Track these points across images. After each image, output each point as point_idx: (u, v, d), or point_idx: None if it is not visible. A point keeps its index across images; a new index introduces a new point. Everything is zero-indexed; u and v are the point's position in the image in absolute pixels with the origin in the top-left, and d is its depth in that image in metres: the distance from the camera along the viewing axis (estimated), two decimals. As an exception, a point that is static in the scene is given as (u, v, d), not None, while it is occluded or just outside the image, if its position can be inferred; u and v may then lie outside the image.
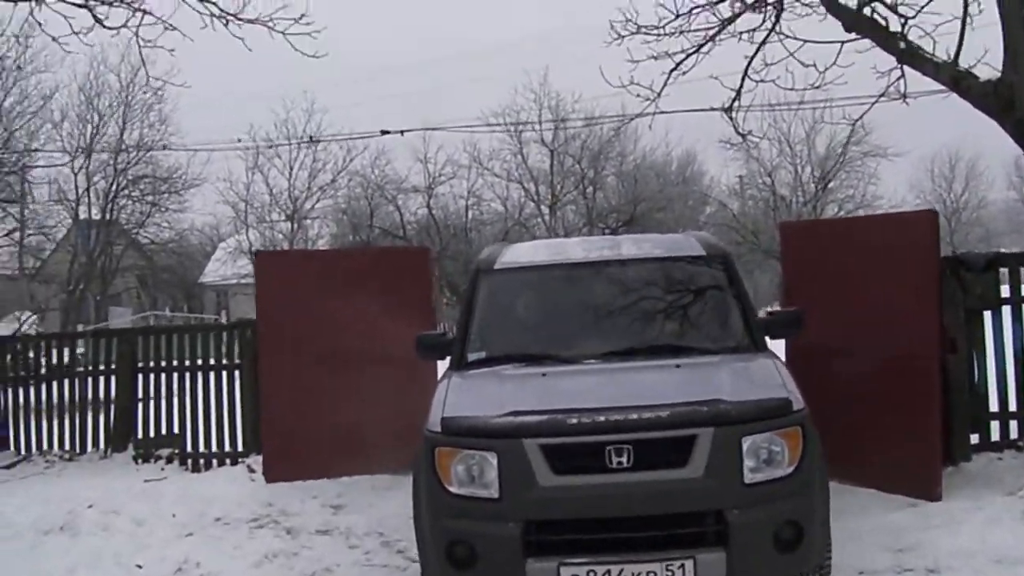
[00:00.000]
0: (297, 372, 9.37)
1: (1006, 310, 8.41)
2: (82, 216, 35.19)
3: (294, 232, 36.01)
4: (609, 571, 4.64)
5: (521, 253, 6.77)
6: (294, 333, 9.42)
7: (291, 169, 35.96)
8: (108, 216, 35.12)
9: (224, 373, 10.35)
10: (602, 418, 4.75)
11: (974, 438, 8.40)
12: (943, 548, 6.13)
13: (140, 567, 6.77)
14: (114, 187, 34.85)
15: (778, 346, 8.44)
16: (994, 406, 8.52)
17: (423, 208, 36.89)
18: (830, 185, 33.98)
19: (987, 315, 8.52)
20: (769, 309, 7.24)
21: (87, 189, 34.66)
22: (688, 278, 6.29)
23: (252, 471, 9.51)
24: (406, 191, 36.72)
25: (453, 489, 4.92)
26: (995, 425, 8.52)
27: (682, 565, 4.63)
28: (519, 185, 37.07)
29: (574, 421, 4.76)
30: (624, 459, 4.72)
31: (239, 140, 32.88)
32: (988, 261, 8.46)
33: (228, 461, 10.16)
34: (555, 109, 35.08)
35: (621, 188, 37.16)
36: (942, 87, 8.43)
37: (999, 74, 7.90)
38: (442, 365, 6.52)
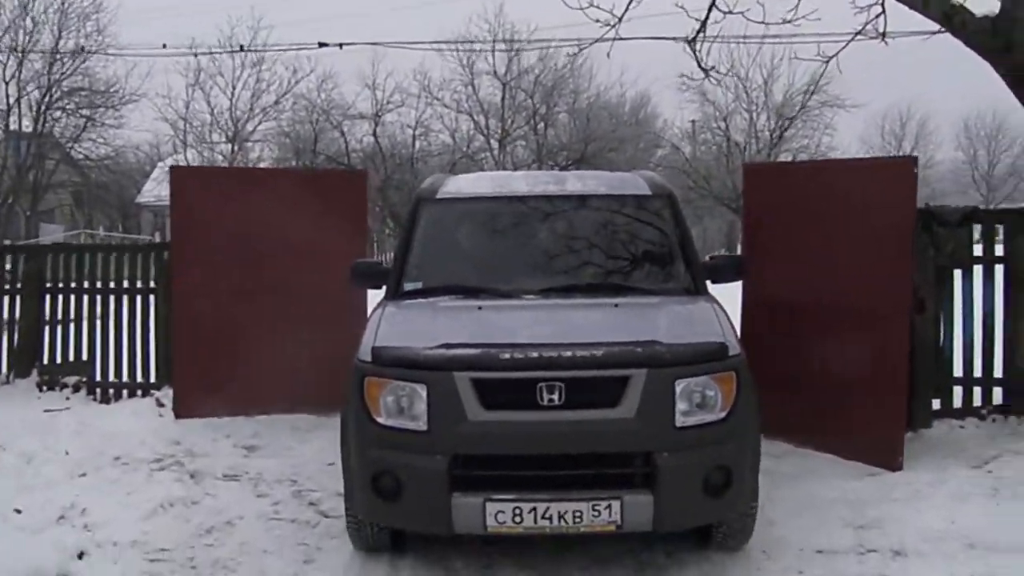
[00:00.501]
0: (215, 300, 8.62)
1: (977, 270, 7.90)
2: (12, 127, 33.52)
3: (234, 154, 34.76)
4: (535, 508, 4.59)
5: (464, 184, 6.65)
6: (213, 258, 8.65)
7: (233, 88, 34.48)
8: (40, 128, 33.54)
9: (139, 297, 9.50)
10: (535, 354, 4.68)
11: (935, 404, 7.95)
12: (909, 526, 5.60)
13: (19, 512, 6.00)
14: (47, 98, 33.22)
15: (734, 298, 7.96)
16: (958, 371, 8.06)
17: (369, 136, 35.86)
18: (786, 133, 33.49)
19: (957, 274, 8.04)
20: (713, 255, 6.76)
21: (18, 99, 32.95)
22: (632, 217, 6.19)
23: (161, 405, 8.80)
24: (352, 117, 35.60)
25: (381, 420, 4.84)
26: (958, 391, 8.06)
27: (609, 505, 4.60)
28: (469, 117, 36.22)
29: (507, 356, 4.69)
30: (555, 397, 4.65)
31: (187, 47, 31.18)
32: (963, 216, 7.92)
33: (140, 392, 9.35)
34: (510, 42, 34.13)
35: (573, 126, 36.55)
36: (925, 29, 7.80)
37: (996, 11, 7.24)
38: (373, 300, 6.23)
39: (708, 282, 6.02)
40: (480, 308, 5.40)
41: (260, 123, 35.49)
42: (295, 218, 8.70)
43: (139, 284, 9.53)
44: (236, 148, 35.33)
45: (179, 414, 8.61)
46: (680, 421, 4.73)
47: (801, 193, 7.61)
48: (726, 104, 34.56)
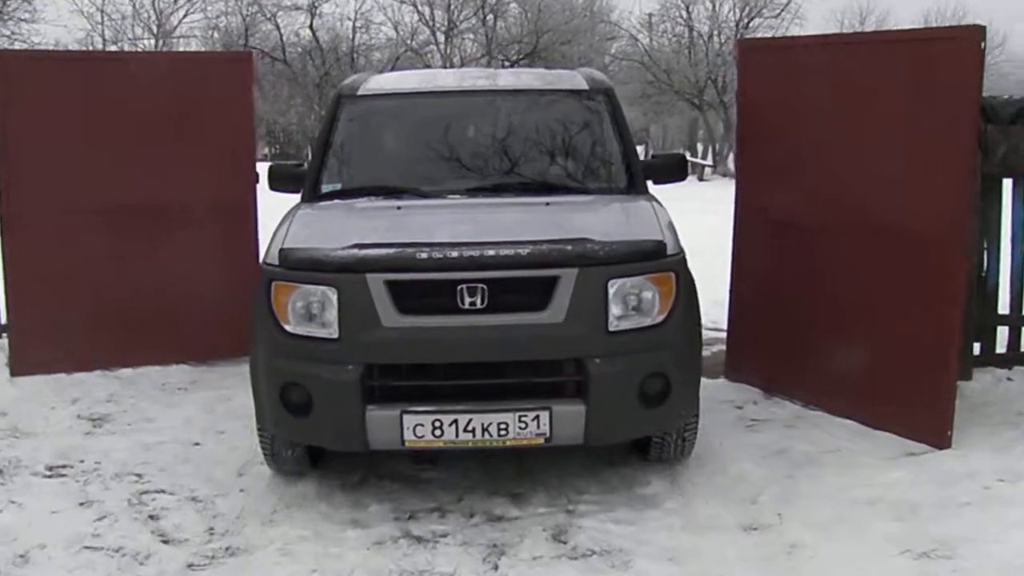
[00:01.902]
0: (58, 221, 6.67)
1: (1032, 179, 6.21)
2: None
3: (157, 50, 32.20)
4: (456, 421, 4.31)
5: (388, 81, 6.26)
6: (56, 168, 6.66)
7: (156, -25, 31.97)
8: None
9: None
10: (455, 254, 4.34)
11: (975, 348, 6.34)
12: (993, 558, 3.93)
13: None
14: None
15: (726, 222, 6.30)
16: (1003, 308, 6.46)
17: (305, 28, 33.56)
18: (752, 23, 31.40)
19: (1007, 185, 6.34)
20: (655, 153, 5.80)
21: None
22: (567, 113, 5.78)
23: (-9, 360, 6.87)
24: (287, 8, 33.48)
25: (289, 328, 4.47)
26: (1003, 333, 6.44)
27: (536, 416, 4.32)
28: (412, 8, 34.36)
29: (424, 256, 4.34)
30: (477, 300, 4.34)
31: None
32: (1018, 110, 6.17)
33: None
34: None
35: (525, 18, 34.64)
36: None
37: None
38: (266, 224, 5.67)
39: (650, 183, 5.59)
40: (399, 208, 5.07)
41: (186, 15, 33.03)
42: (164, 117, 6.80)
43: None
44: (161, 43, 32.81)
45: (15, 370, 6.72)
46: (614, 325, 4.39)
47: (818, 78, 5.74)
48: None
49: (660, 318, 4.46)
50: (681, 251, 4.65)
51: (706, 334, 7.71)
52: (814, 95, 5.78)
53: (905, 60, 5.30)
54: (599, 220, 4.87)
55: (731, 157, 31.45)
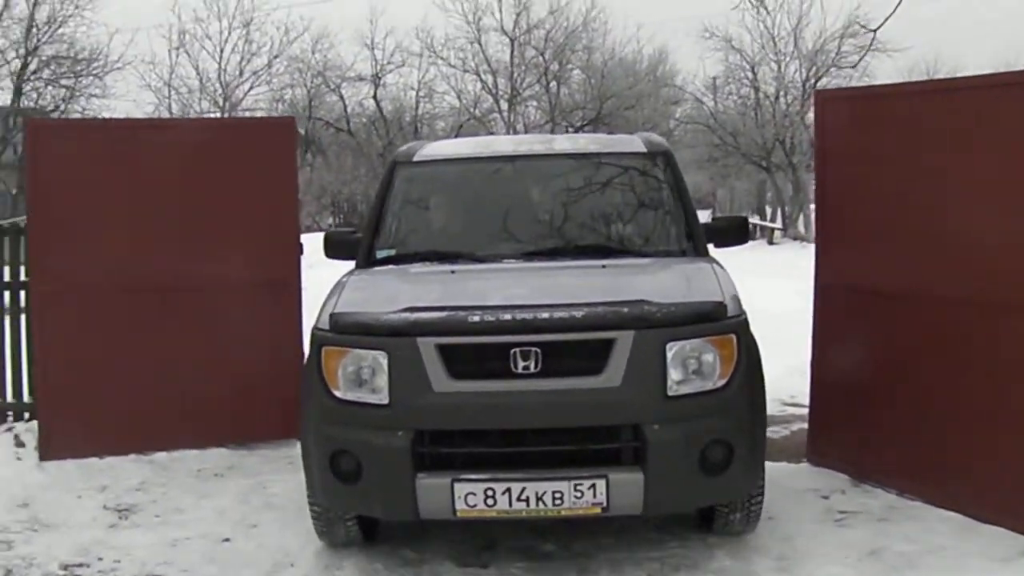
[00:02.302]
0: (93, 300, 6.36)
1: None
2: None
3: (225, 122, 32.49)
4: (509, 489, 4.16)
5: (443, 147, 6.29)
6: (87, 244, 6.35)
7: (221, 51, 32.41)
8: (18, 101, 31.16)
9: (7, 294, 7.14)
10: (508, 316, 4.24)
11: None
12: None
13: None
14: (26, 67, 30.83)
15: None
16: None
17: (369, 99, 33.71)
18: (821, 82, 30.79)
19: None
20: (716, 216, 5.73)
21: (-4, 69, 30.65)
22: (624, 176, 5.68)
23: (20, 445, 6.50)
24: (351, 80, 33.64)
25: (339, 394, 4.40)
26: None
27: (593, 485, 4.16)
28: (476, 77, 34.19)
29: (476, 319, 4.25)
30: (531, 364, 4.22)
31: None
32: None
33: (11, 417, 7.03)
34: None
35: (588, 84, 34.47)
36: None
37: None
38: (317, 290, 5.27)
39: (711, 247, 5.49)
40: (453, 272, 5.00)
41: (251, 88, 33.41)
42: (200, 183, 6.46)
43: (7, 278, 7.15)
44: (227, 116, 33.11)
45: (44, 455, 6.34)
46: (673, 390, 4.25)
47: (919, 129, 5.18)
48: (753, 53, 31.98)
49: (721, 383, 4.31)
50: (743, 313, 4.51)
51: (784, 409, 7.22)
52: (913, 149, 5.20)
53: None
54: (657, 282, 4.74)
55: (800, 219, 30.70)
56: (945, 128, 5.08)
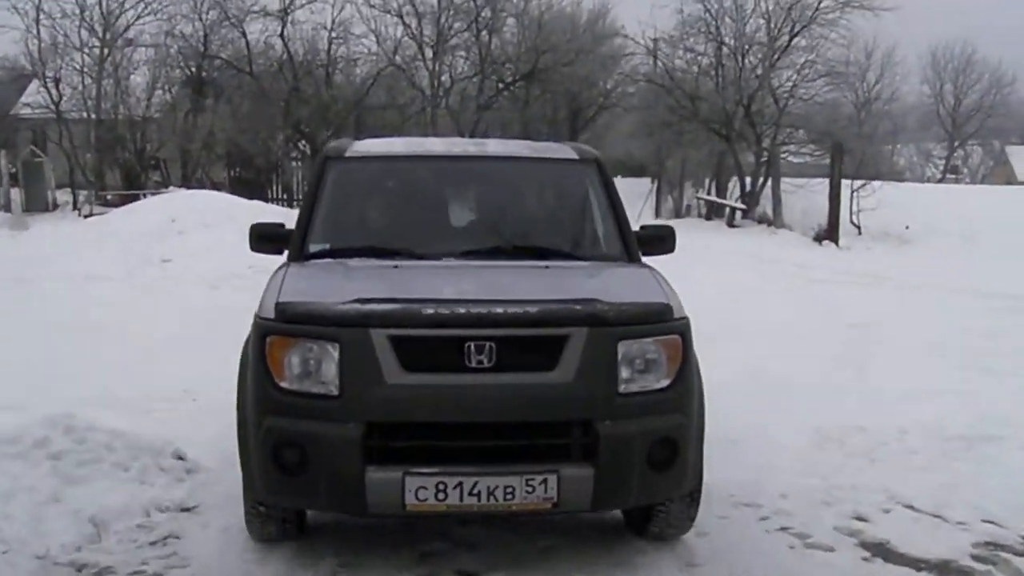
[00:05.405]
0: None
1: None
2: None
3: (103, 58, 28.56)
4: (461, 483, 4.21)
5: (375, 145, 6.38)
6: None
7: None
8: None
9: None
10: (463, 310, 4.29)
11: None
12: None
13: None
14: None
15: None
16: None
17: (276, 37, 30.79)
18: (794, 41, 27.92)
19: None
20: (644, 224, 5.97)
21: None
22: (557, 181, 6.02)
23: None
24: (255, 14, 31.14)
25: (285, 384, 4.33)
26: None
27: (544, 480, 4.24)
28: (398, 19, 31.45)
29: (431, 311, 4.27)
30: (485, 358, 4.25)
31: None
32: None
33: None
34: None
35: (523, 35, 32.41)
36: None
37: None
38: None
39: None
40: (396, 267, 5.04)
41: (138, 17, 30.24)
42: None
43: None
44: (107, 52, 29.15)
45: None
46: (624, 387, 4.37)
47: None
48: (715, 9, 28.89)
49: (666, 382, 4.47)
50: (686, 316, 4.68)
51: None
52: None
53: None
54: (603, 283, 4.95)
55: (771, 199, 26.75)
56: None
